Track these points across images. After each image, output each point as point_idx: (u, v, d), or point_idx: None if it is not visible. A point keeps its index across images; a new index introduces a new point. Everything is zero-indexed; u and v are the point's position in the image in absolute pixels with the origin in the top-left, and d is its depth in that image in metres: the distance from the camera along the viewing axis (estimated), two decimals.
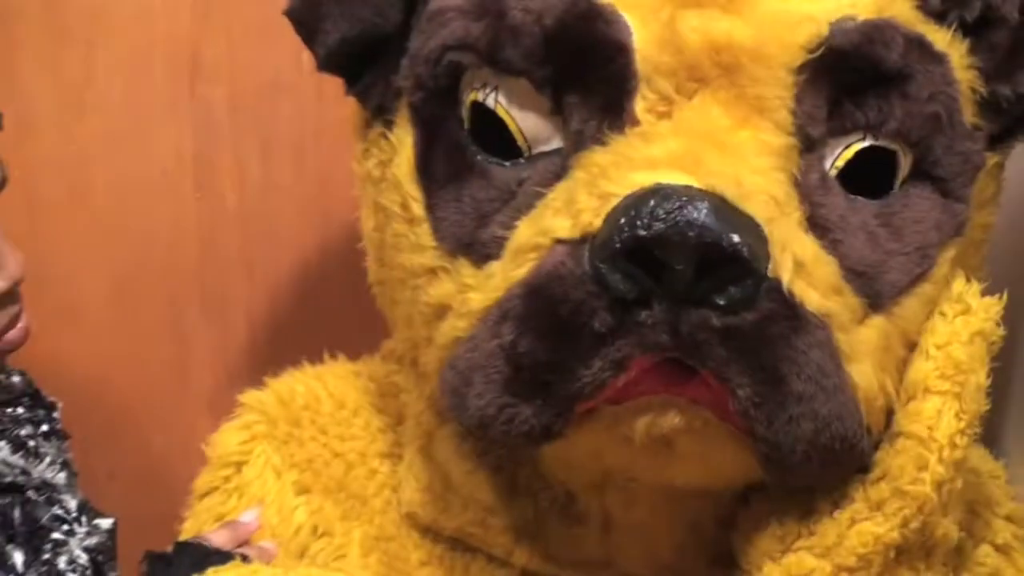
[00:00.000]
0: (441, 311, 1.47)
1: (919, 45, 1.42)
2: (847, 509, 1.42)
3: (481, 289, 1.41)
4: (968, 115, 1.47)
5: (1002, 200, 1.58)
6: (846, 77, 1.40)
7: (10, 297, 1.58)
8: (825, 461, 1.37)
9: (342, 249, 1.68)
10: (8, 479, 1.55)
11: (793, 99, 1.39)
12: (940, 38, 1.45)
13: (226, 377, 1.93)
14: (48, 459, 1.61)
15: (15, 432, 1.59)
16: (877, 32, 1.40)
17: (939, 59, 1.44)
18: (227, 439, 1.72)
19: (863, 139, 1.43)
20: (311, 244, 1.94)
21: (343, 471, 1.67)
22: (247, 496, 1.67)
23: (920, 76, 1.42)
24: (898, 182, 1.45)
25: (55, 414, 1.66)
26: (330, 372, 1.76)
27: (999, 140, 1.52)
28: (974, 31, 1.47)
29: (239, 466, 1.70)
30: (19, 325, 1.60)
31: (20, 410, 1.63)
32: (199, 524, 1.68)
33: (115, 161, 1.85)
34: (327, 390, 1.73)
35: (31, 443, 1.61)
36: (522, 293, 1.35)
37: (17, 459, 1.57)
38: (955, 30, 1.46)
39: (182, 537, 1.63)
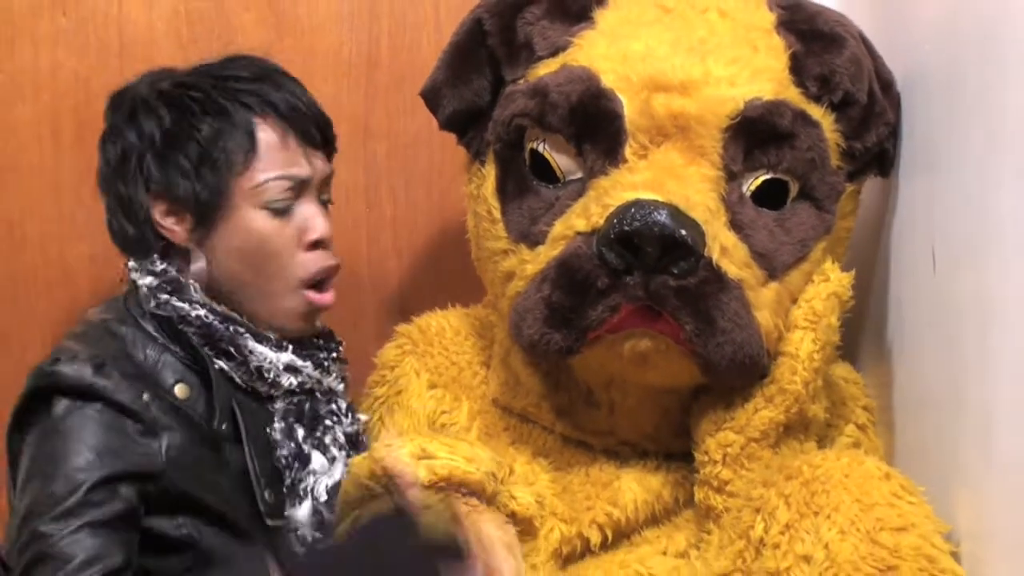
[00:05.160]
0: (510, 276, 1.50)
1: (802, 116, 1.45)
2: (752, 402, 1.44)
3: (533, 263, 1.45)
4: (834, 160, 1.48)
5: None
6: (755, 135, 1.42)
7: (327, 246, 1.55)
8: (740, 371, 1.40)
9: (457, 239, 1.64)
10: (308, 386, 1.54)
11: (722, 148, 1.42)
12: (816, 112, 1.47)
13: (386, 316, 1.90)
14: (334, 375, 1.58)
15: (317, 355, 1.56)
16: (775, 108, 1.43)
17: (815, 125, 1.46)
18: (387, 353, 1.72)
19: (766, 173, 1.45)
20: (437, 237, 1.92)
21: (457, 372, 1.66)
22: (397, 387, 1.67)
23: (803, 135, 1.44)
24: (789, 200, 1.47)
25: (340, 346, 1.61)
26: (451, 313, 1.74)
27: (855, 175, 1.54)
28: (838, 108, 1.48)
29: (394, 369, 1.69)
30: (331, 292, 1.57)
31: (320, 341, 1.59)
32: (369, 403, 1.69)
33: None
34: (449, 323, 1.71)
35: (326, 363, 1.57)
36: (555, 265, 1.40)
37: (315, 373, 1.55)
38: (826, 107, 1.48)
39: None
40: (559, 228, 1.42)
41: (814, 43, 1.48)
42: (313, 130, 1.53)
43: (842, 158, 1.50)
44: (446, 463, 1.35)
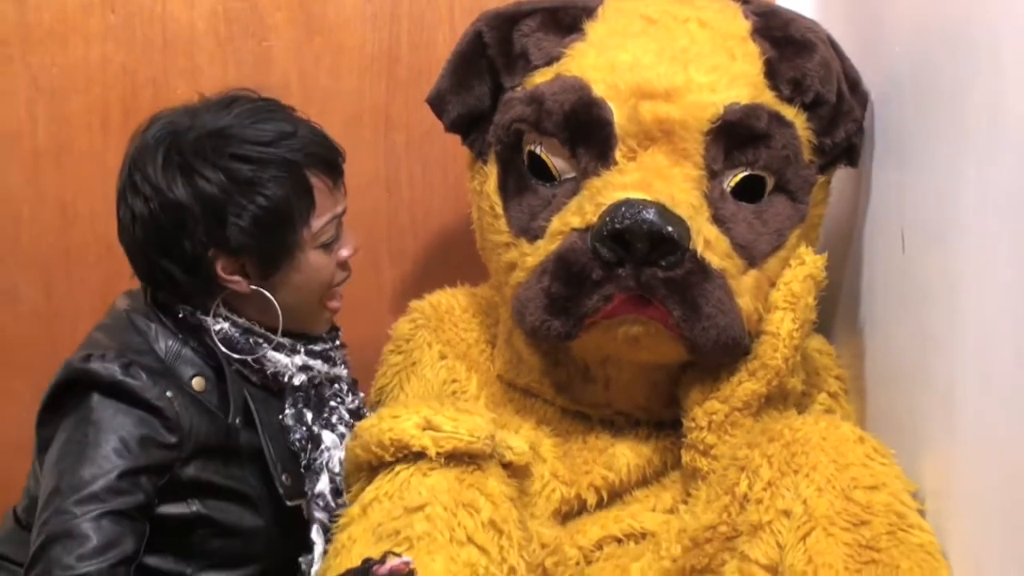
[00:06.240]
0: (511, 267, 1.51)
1: (777, 117, 1.46)
2: (737, 375, 1.46)
3: (532, 255, 1.47)
4: (806, 155, 1.50)
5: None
6: (734, 137, 1.44)
7: (348, 264, 1.54)
8: (724, 351, 1.43)
9: (465, 226, 1.66)
10: (317, 380, 1.53)
11: (704, 149, 1.43)
12: (789, 112, 1.48)
13: (402, 292, 1.91)
14: (339, 362, 1.57)
15: (325, 351, 1.55)
16: (752, 111, 1.44)
17: (789, 125, 1.47)
18: (402, 327, 1.72)
19: (745, 171, 1.46)
20: (450, 222, 1.92)
21: (465, 347, 1.66)
22: (412, 357, 1.68)
23: (778, 135, 1.45)
24: (766, 194, 1.48)
25: (340, 334, 1.59)
26: (460, 292, 1.74)
27: (825, 168, 1.55)
28: (809, 108, 1.49)
29: (408, 341, 1.70)
30: (339, 298, 1.56)
31: (325, 334, 1.57)
32: (384, 370, 1.71)
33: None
34: (458, 302, 1.71)
35: (330, 354, 1.55)
36: (554, 258, 1.42)
37: (324, 367, 1.54)
38: (798, 108, 1.49)
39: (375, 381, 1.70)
40: (556, 224, 1.44)
41: (787, 49, 1.49)
42: (338, 164, 1.51)
43: (814, 153, 1.51)
44: (450, 437, 1.35)
